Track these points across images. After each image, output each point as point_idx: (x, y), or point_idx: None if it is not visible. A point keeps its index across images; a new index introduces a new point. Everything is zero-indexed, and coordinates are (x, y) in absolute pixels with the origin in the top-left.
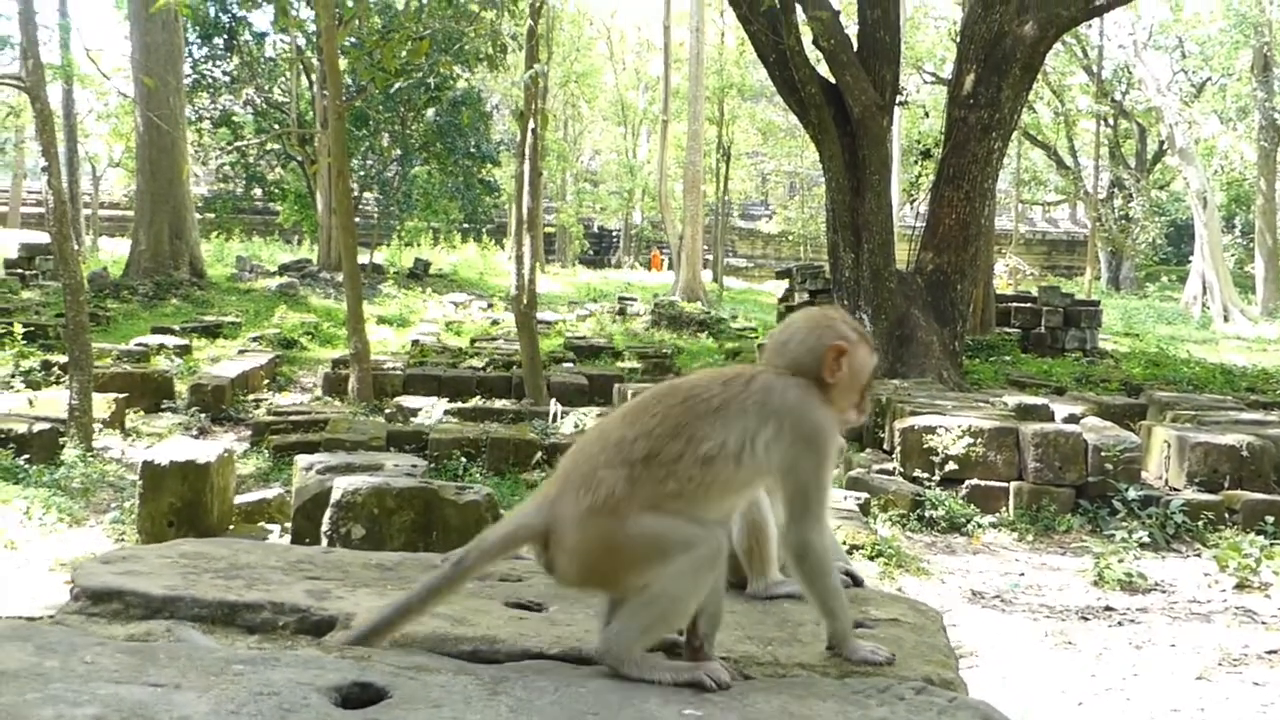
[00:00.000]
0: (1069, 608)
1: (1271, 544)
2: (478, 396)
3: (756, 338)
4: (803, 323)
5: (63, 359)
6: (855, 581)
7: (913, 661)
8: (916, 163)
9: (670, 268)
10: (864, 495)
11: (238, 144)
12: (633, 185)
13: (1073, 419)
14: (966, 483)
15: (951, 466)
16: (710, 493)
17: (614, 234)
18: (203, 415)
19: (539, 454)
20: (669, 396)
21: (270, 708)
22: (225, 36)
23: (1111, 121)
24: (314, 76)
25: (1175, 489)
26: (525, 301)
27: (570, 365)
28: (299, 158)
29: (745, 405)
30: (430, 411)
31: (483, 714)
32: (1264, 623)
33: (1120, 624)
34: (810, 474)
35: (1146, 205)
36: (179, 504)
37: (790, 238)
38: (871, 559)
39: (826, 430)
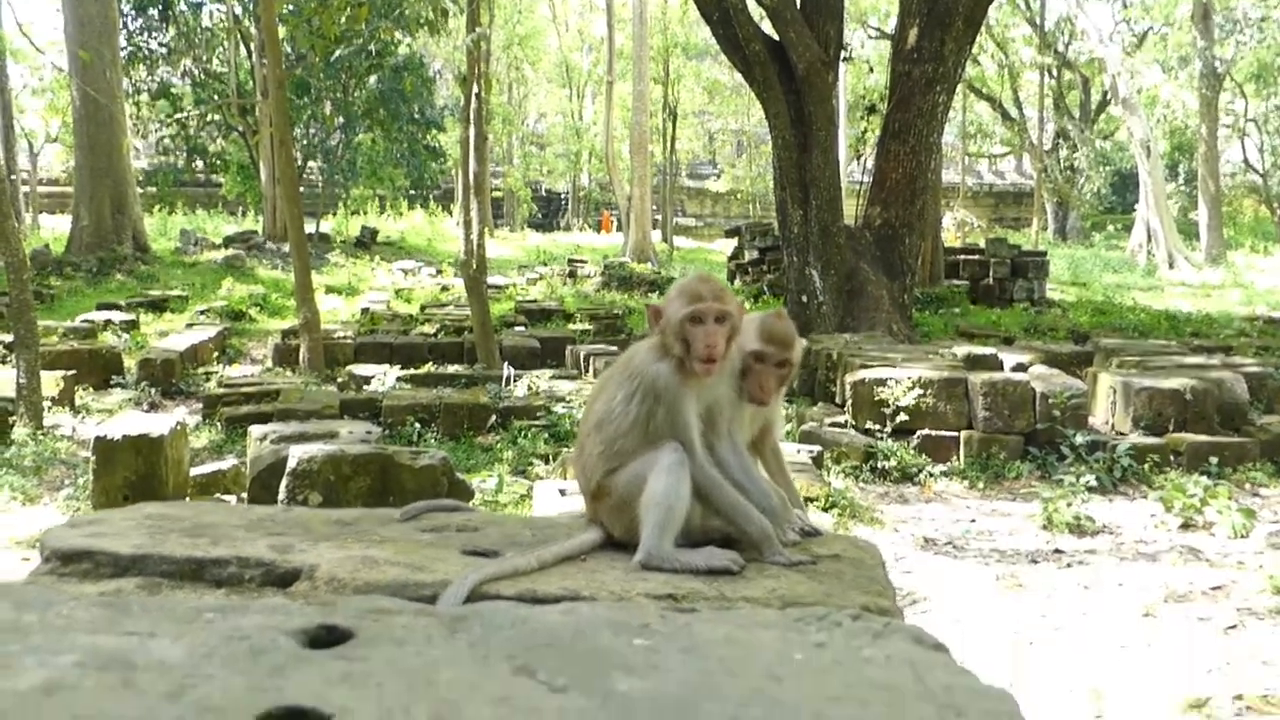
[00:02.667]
0: (1019, 552)
1: (1215, 484)
2: (430, 363)
3: None
4: None
5: (8, 338)
6: (816, 533)
7: (851, 593)
8: (862, 118)
9: (620, 229)
10: (817, 448)
11: (177, 116)
12: (579, 147)
13: (1021, 368)
14: (917, 433)
15: (902, 418)
16: (624, 444)
17: (562, 197)
18: (153, 390)
19: (493, 418)
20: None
21: (242, 650)
22: (160, 7)
23: (1055, 73)
24: (252, 45)
25: (1121, 433)
26: (475, 266)
27: (522, 329)
28: (240, 128)
29: (622, 372)
30: (382, 379)
31: (443, 650)
32: (1208, 560)
33: (1069, 566)
34: (662, 416)
35: (1091, 155)
36: (133, 478)
37: (739, 196)
38: (825, 510)
39: (656, 379)
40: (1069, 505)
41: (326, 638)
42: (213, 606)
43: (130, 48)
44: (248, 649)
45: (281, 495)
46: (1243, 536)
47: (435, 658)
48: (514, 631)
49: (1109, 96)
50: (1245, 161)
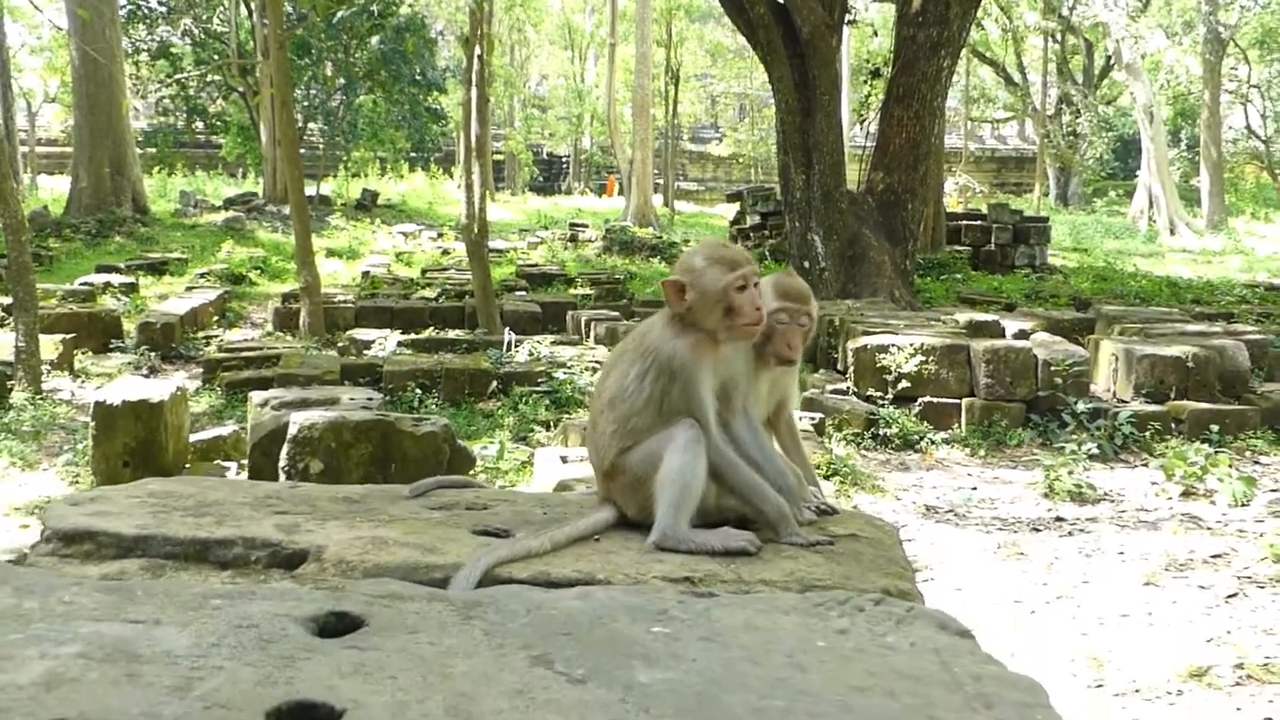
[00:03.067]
0: (1020, 520)
1: (1216, 452)
2: (431, 327)
3: None
4: None
5: (6, 300)
6: (832, 512)
7: (871, 575)
8: (866, 82)
9: (621, 193)
10: (818, 415)
11: (177, 76)
12: (581, 110)
13: (1022, 335)
14: (919, 400)
15: (904, 385)
16: (638, 422)
17: (563, 160)
18: (152, 354)
19: (494, 383)
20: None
21: (250, 639)
22: None
23: (1059, 37)
24: (253, 5)
25: (1123, 401)
26: (476, 230)
27: (523, 293)
28: (241, 89)
29: (635, 349)
30: (383, 344)
31: (457, 638)
32: (1209, 528)
33: (1070, 534)
34: (677, 394)
35: (1094, 121)
36: (133, 444)
37: (741, 160)
38: (827, 478)
39: (672, 357)
40: (1070, 473)
41: (337, 625)
42: (219, 592)
43: (130, 6)
44: (256, 638)
45: (282, 462)
46: (1243, 505)
47: (449, 647)
48: (530, 619)
49: (1112, 61)
50: (1248, 127)
